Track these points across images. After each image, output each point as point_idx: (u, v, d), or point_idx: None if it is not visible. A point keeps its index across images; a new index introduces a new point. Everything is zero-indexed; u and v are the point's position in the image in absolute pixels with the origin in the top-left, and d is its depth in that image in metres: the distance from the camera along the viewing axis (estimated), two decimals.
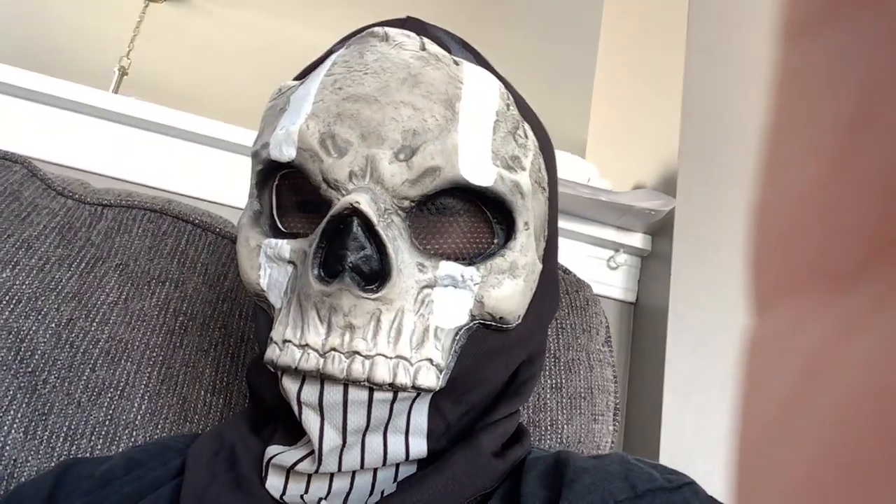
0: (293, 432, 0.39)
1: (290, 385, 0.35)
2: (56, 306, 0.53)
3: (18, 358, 0.50)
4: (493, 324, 0.37)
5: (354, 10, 2.07)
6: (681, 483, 0.39)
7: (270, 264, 0.38)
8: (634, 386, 0.87)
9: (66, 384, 0.51)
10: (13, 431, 0.48)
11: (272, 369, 0.36)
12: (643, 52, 1.12)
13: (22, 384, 0.49)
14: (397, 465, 0.38)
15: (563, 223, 0.84)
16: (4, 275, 0.52)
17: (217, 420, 0.54)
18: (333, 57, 0.40)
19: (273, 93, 0.43)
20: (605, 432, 0.62)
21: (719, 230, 0.87)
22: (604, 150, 1.17)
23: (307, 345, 0.34)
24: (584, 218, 0.89)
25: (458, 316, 0.36)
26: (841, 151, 0.07)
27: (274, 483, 0.37)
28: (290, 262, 0.37)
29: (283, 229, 0.40)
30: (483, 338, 0.37)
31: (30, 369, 0.50)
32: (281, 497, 0.37)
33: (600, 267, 0.91)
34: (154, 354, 0.54)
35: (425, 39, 0.39)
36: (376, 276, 0.34)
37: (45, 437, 0.49)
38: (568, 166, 0.88)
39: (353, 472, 0.37)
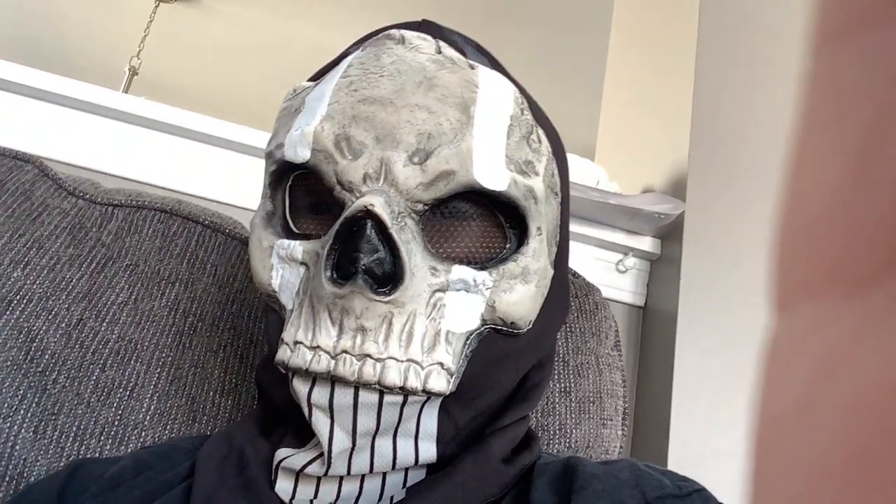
0: (302, 434, 0.39)
1: (300, 387, 0.35)
2: (66, 306, 0.53)
3: (29, 357, 0.50)
4: (504, 329, 0.37)
5: (365, 10, 2.07)
6: (691, 490, 0.39)
7: (283, 265, 0.38)
8: (643, 390, 0.86)
9: (76, 384, 0.51)
10: (23, 431, 0.48)
11: (283, 370, 0.36)
12: (653, 56, 1.12)
13: (32, 384, 0.49)
14: (406, 471, 0.37)
15: (572, 226, 0.83)
16: (16, 274, 0.53)
17: (226, 421, 0.54)
18: (349, 59, 0.40)
19: (288, 94, 0.42)
20: (613, 437, 0.61)
21: (729, 234, 0.86)
22: (613, 153, 1.16)
23: (318, 346, 0.34)
24: (594, 221, 0.89)
25: (469, 320, 0.36)
26: (865, 157, 0.07)
27: (283, 487, 0.37)
28: (302, 263, 0.37)
29: (295, 230, 0.39)
30: (494, 342, 0.37)
31: (40, 369, 0.50)
32: (290, 501, 0.36)
33: (609, 270, 0.91)
34: (163, 355, 0.54)
35: (441, 43, 0.39)
36: (389, 278, 0.34)
37: (55, 436, 0.49)
38: (577, 169, 0.88)
39: (363, 477, 0.37)
